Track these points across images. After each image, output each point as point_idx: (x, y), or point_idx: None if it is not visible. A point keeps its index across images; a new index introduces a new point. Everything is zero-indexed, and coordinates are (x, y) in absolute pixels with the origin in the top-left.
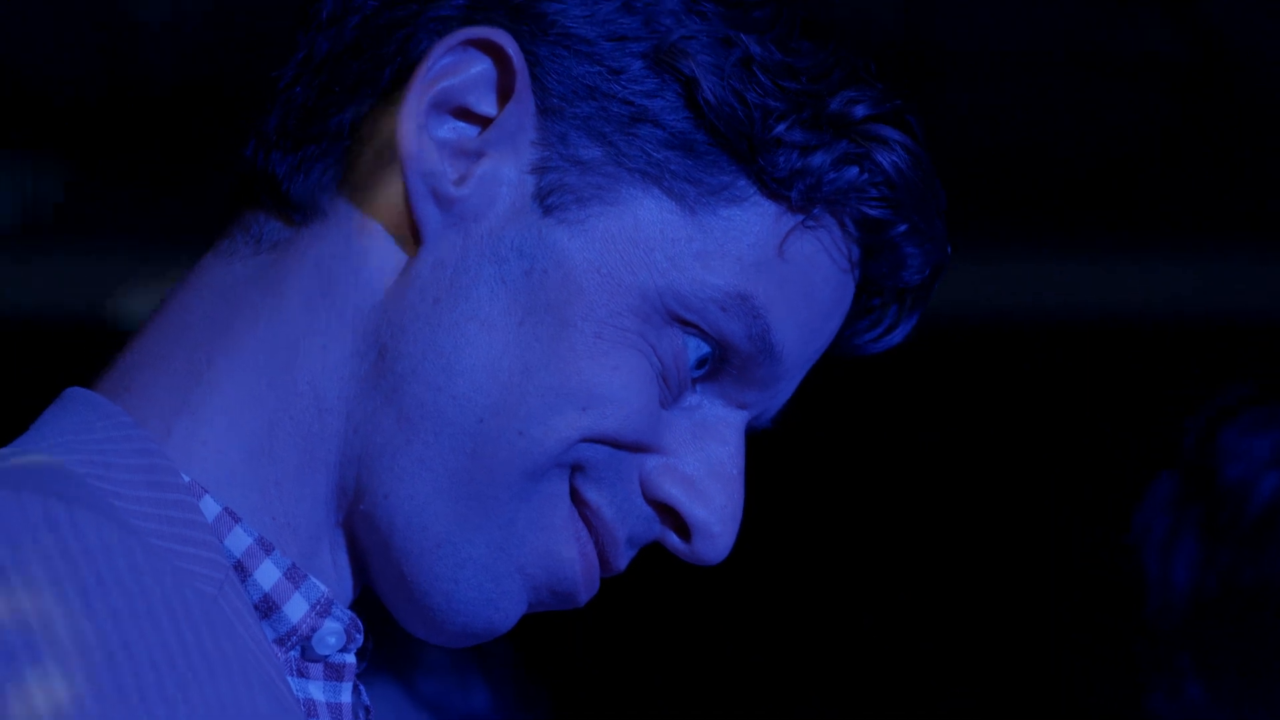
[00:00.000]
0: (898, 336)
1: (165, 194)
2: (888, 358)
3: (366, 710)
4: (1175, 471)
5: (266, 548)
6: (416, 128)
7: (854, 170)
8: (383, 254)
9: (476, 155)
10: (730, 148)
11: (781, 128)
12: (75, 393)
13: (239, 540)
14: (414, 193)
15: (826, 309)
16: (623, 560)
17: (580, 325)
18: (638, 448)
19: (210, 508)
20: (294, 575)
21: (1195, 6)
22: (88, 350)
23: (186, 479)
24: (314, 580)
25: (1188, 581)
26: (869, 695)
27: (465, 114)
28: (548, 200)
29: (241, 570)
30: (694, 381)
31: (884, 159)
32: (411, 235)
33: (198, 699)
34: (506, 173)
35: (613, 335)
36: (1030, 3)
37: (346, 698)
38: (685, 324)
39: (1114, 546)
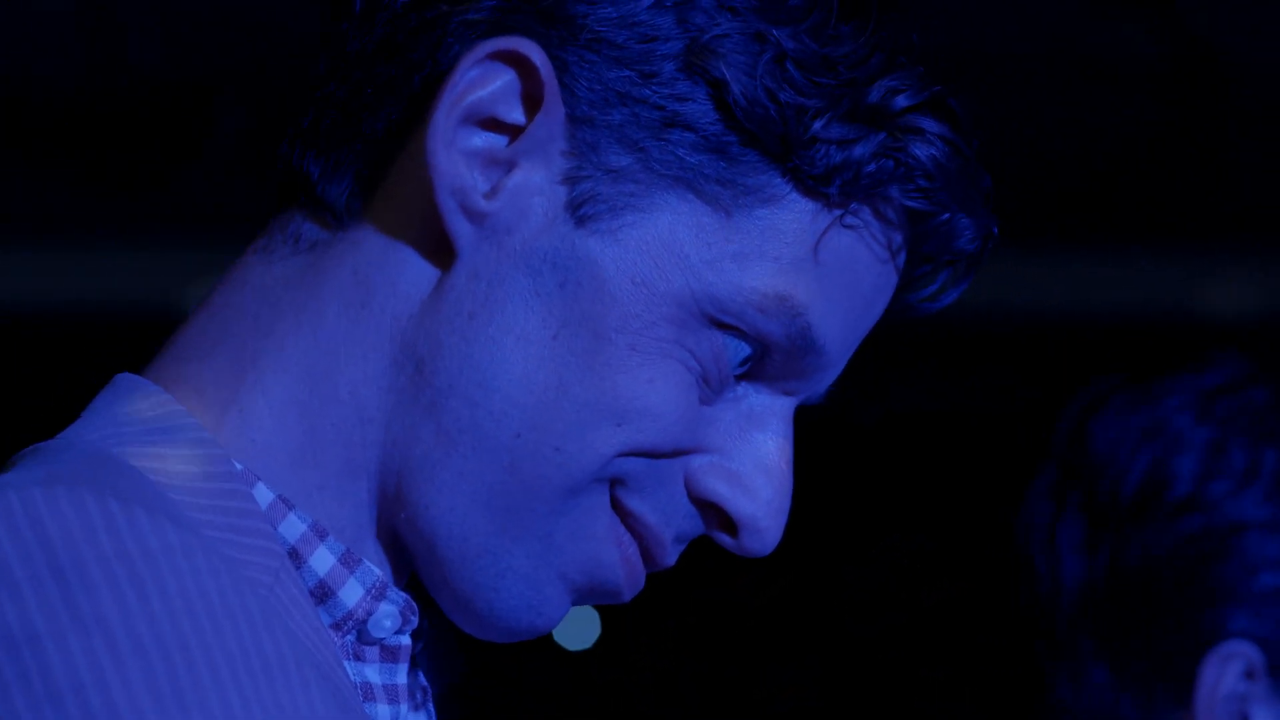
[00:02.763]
0: (949, 299)
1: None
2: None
3: (424, 691)
4: (1052, 460)
5: (320, 533)
6: (445, 143)
7: (890, 164)
8: (418, 264)
9: (508, 165)
10: (764, 148)
11: (817, 125)
12: (126, 379)
13: (293, 527)
14: (444, 208)
15: (869, 298)
16: (671, 557)
17: (614, 338)
18: (678, 453)
19: (264, 495)
20: (349, 560)
21: (1177, 9)
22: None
23: (239, 467)
24: (368, 564)
25: (1076, 567)
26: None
27: (495, 124)
28: (580, 210)
29: (296, 557)
30: (737, 378)
31: (921, 152)
32: (446, 246)
33: (254, 700)
34: (538, 183)
35: (648, 346)
36: (1012, 4)
37: (403, 679)
38: (724, 326)
39: (1004, 541)
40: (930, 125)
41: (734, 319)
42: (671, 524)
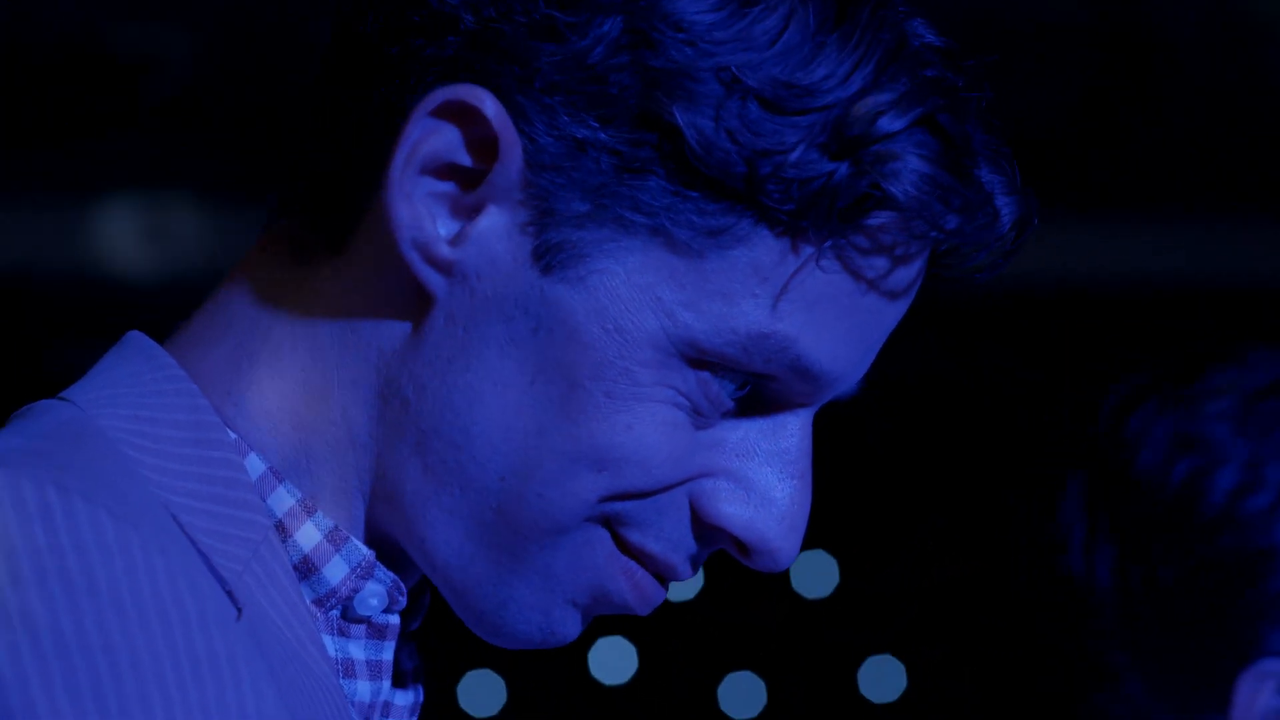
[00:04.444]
0: (999, 270)
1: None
2: None
3: (415, 669)
4: (1086, 469)
5: (309, 509)
6: (402, 195)
7: (865, 197)
8: (399, 301)
9: (472, 210)
10: (728, 190)
11: (783, 163)
12: (134, 338)
13: (281, 500)
14: (408, 258)
15: (871, 313)
16: (687, 573)
17: (589, 385)
18: (671, 488)
19: (255, 466)
20: (335, 537)
21: None
22: None
23: (233, 437)
24: (355, 542)
25: (1111, 580)
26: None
27: (455, 170)
28: (545, 259)
29: (283, 530)
30: (737, 401)
31: (897, 187)
32: (424, 288)
33: (178, 704)
34: (501, 231)
35: (625, 392)
36: None
37: (388, 656)
38: (706, 365)
39: (1041, 550)
40: (913, 149)
41: (716, 358)
42: (680, 548)
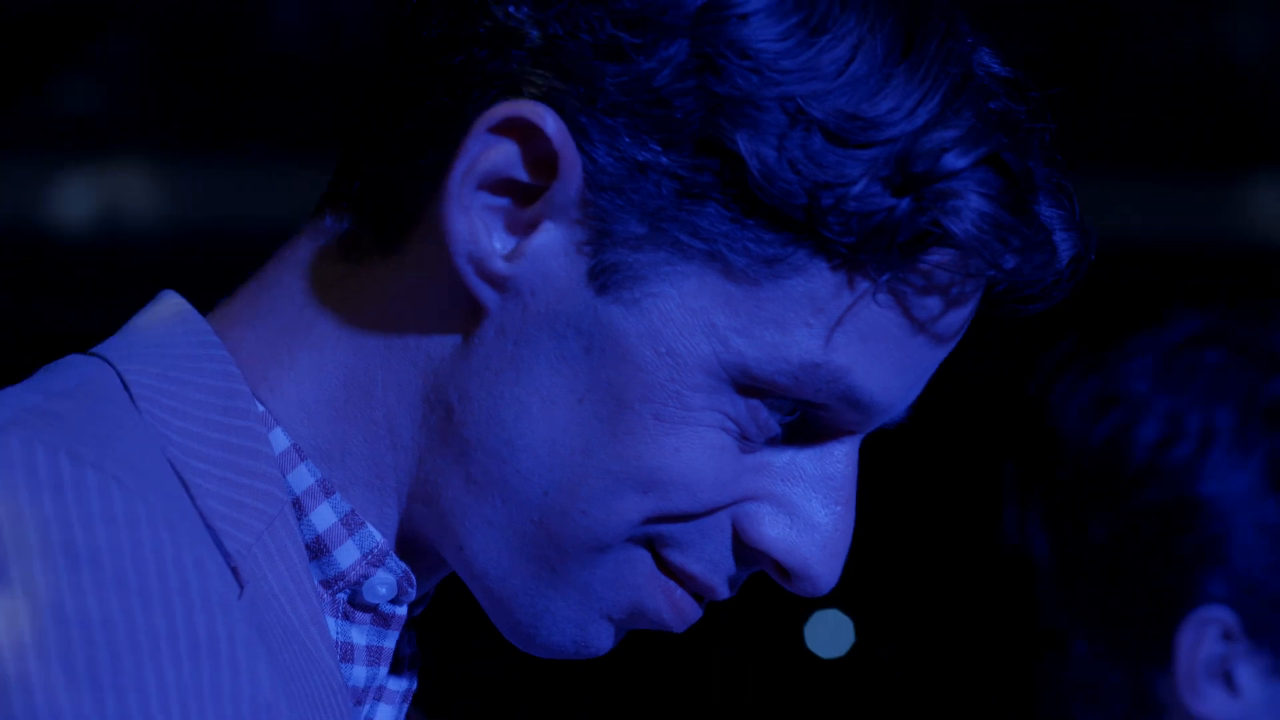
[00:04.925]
0: (1052, 303)
1: None
2: None
3: (415, 658)
4: (1017, 439)
5: (327, 490)
6: (460, 208)
7: (925, 234)
8: (450, 310)
9: (528, 227)
10: (788, 220)
11: (844, 196)
12: (170, 299)
13: (301, 478)
14: (462, 271)
15: (922, 350)
16: (724, 594)
17: (639, 407)
18: (715, 511)
19: (279, 440)
20: (350, 522)
21: None
22: None
23: (261, 409)
24: (371, 529)
25: (1047, 543)
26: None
27: (513, 186)
28: (600, 279)
29: (299, 508)
30: (785, 426)
31: (957, 225)
32: (475, 298)
33: (172, 684)
34: (557, 248)
35: (674, 415)
36: None
37: (390, 644)
38: (757, 393)
39: (984, 523)
40: (975, 187)
41: (768, 385)
42: (720, 570)
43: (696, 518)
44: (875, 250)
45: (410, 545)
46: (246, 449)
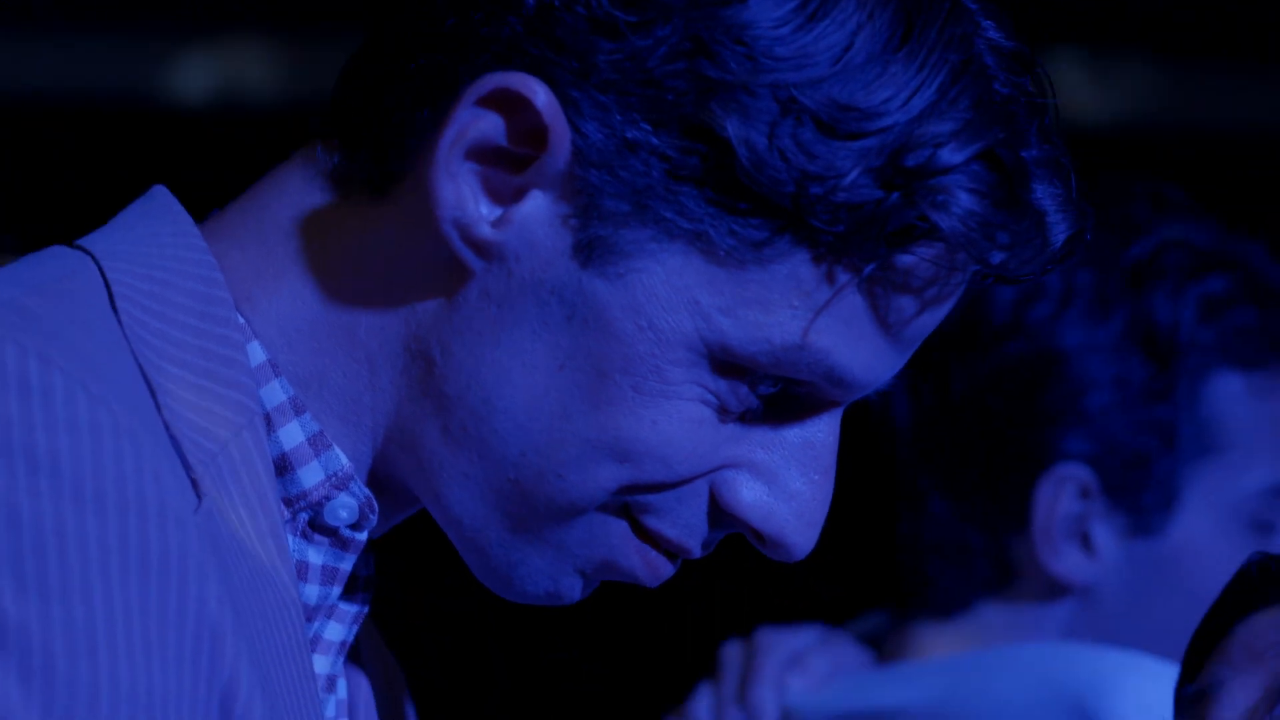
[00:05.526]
0: (1043, 276)
1: None
2: None
3: (370, 580)
4: None
5: (298, 408)
6: (448, 174)
7: (912, 227)
8: (436, 265)
9: (516, 195)
10: (775, 207)
11: (833, 185)
12: (161, 196)
13: (273, 394)
14: (448, 235)
15: (906, 330)
16: (698, 554)
17: (618, 379)
18: (692, 479)
19: (256, 354)
20: (317, 442)
21: None
22: None
23: (242, 320)
24: (338, 451)
25: (906, 402)
26: None
27: (503, 154)
28: (585, 252)
29: (268, 423)
30: (766, 398)
31: (944, 222)
32: (462, 260)
33: (118, 598)
34: (543, 218)
35: (653, 389)
36: None
37: (346, 566)
38: (738, 371)
39: None
40: (967, 183)
41: (749, 363)
42: (696, 533)
43: (673, 487)
44: (862, 240)
45: (382, 482)
46: (223, 356)
